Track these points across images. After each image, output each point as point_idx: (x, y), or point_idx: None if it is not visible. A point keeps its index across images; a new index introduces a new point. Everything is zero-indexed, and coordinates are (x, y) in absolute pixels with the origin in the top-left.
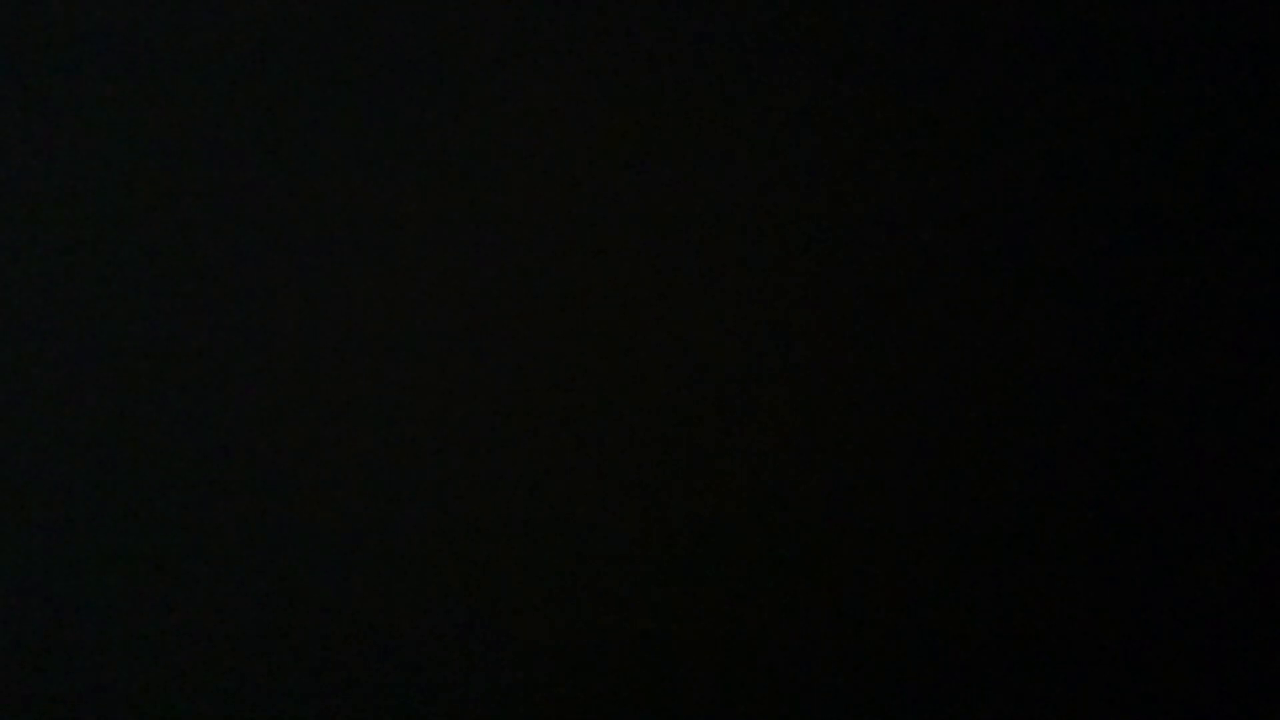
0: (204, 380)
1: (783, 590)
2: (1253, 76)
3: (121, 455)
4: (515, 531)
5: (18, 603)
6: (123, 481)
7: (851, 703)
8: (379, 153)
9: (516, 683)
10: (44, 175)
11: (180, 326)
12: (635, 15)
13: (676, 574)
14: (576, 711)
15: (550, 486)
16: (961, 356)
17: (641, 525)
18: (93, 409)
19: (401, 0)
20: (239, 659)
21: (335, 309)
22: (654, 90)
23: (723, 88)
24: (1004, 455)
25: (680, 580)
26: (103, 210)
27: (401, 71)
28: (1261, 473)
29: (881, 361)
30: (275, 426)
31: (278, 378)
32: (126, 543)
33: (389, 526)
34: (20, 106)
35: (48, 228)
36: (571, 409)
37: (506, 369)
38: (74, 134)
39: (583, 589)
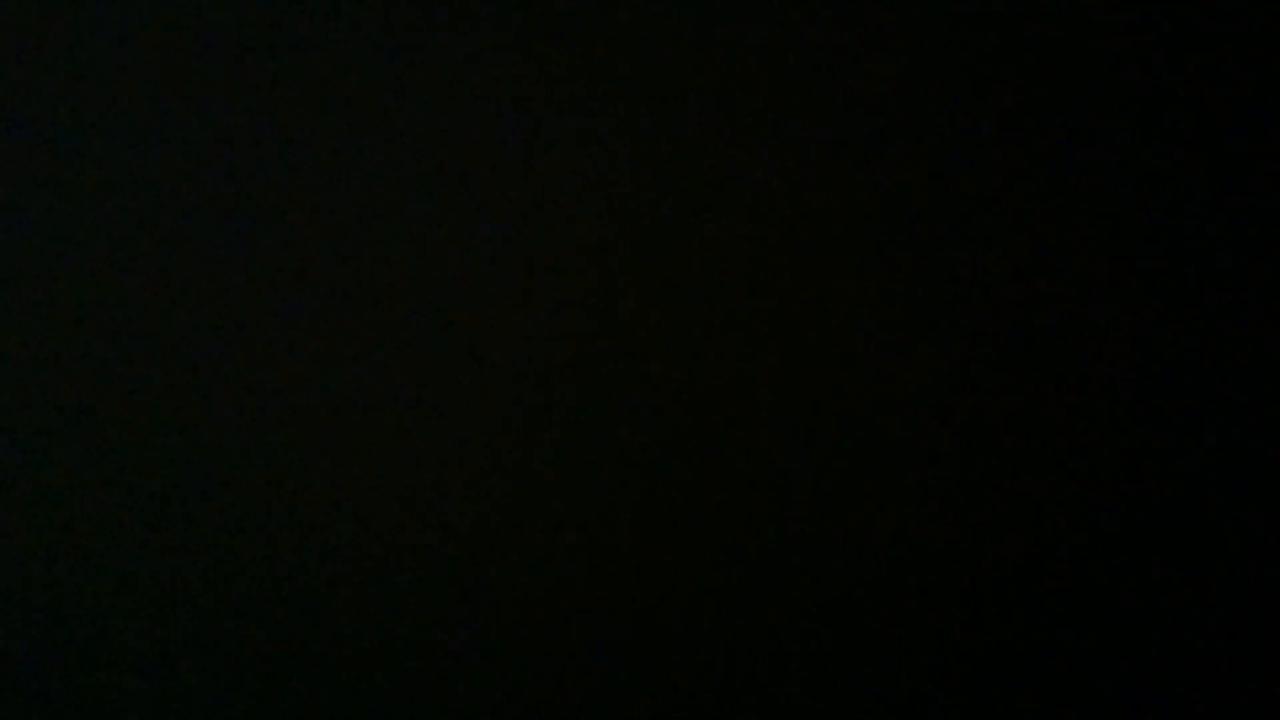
0: (202, 381)
1: (777, 590)
2: (1253, 76)
3: (119, 455)
4: (513, 532)
5: (17, 603)
6: (121, 482)
7: (847, 703)
8: (371, 153)
9: (515, 683)
10: (44, 175)
11: (179, 327)
12: (632, 16)
13: (675, 573)
14: (574, 710)
15: (546, 486)
16: (957, 356)
17: (640, 524)
18: (92, 410)
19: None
20: (238, 660)
21: (331, 309)
22: (651, 90)
23: (718, 86)
24: (996, 455)
25: (677, 580)
26: (102, 210)
27: (397, 72)
28: (1262, 473)
29: (879, 361)
30: (273, 426)
31: (275, 378)
32: (125, 544)
33: (388, 527)
34: (20, 107)
35: (47, 228)
36: (567, 408)
37: (502, 368)
38: (74, 133)
39: (579, 589)
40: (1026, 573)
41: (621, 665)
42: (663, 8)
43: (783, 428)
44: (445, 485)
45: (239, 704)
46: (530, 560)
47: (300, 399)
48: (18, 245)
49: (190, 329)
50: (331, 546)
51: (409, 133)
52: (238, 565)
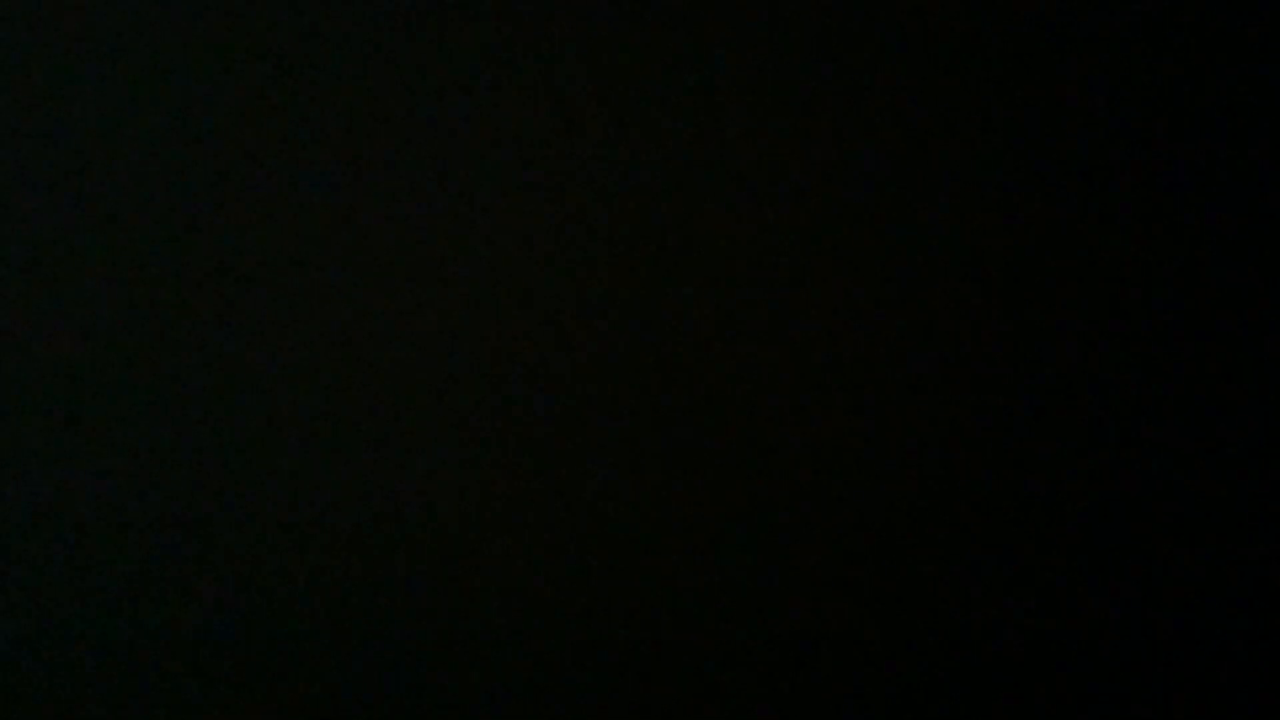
0: (200, 381)
1: (773, 591)
2: (1253, 76)
3: (120, 455)
4: (511, 533)
5: (17, 603)
6: (121, 482)
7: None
8: (365, 154)
9: (513, 682)
10: (44, 175)
11: (177, 327)
12: (628, 17)
13: (673, 575)
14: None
15: (544, 486)
16: (955, 357)
17: (638, 524)
18: (92, 410)
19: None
20: (238, 660)
21: (325, 309)
22: (648, 89)
23: (714, 87)
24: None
25: (676, 581)
26: (102, 210)
27: (395, 75)
28: (1262, 472)
29: (877, 360)
30: (272, 427)
31: (273, 378)
32: (125, 545)
33: (385, 527)
34: (20, 107)
35: (48, 228)
36: (566, 409)
37: (499, 369)
38: (74, 134)
39: (578, 590)
40: (1026, 572)
41: (620, 666)
42: (662, 8)
43: (781, 428)
44: (442, 486)
45: (237, 704)
46: (529, 562)
47: (298, 399)
48: (17, 245)
49: (188, 328)
50: (329, 547)
51: (405, 131)
52: (235, 565)
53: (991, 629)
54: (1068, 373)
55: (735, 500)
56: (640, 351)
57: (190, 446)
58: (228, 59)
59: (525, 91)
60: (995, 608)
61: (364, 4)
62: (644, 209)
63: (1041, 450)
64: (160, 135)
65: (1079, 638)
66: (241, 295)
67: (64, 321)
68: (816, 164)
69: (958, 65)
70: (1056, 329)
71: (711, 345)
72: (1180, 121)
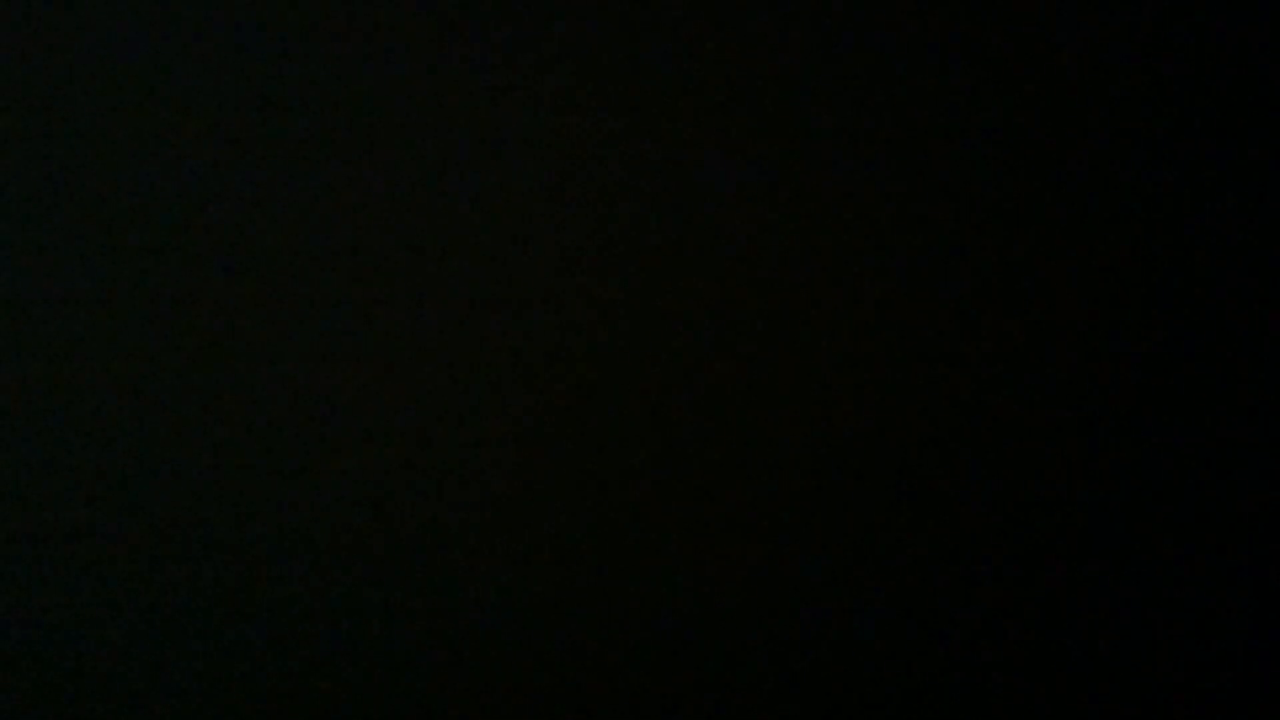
0: (201, 381)
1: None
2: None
3: (121, 455)
4: (509, 532)
5: (17, 602)
6: (122, 482)
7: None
8: (365, 156)
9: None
10: (44, 175)
11: (178, 327)
12: (628, 18)
13: (669, 573)
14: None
15: (545, 486)
16: (955, 358)
17: (636, 525)
18: (93, 409)
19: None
20: (237, 659)
21: (326, 309)
22: (652, 90)
23: (717, 88)
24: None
25: (673, 580)
26: (103, 210)
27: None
28: (1262, 472)
29: (880, 361)
30: (272, 427)
31: (273, 379)
32: (124, 543)
33: (385, 528)
34: (20, 105)
35: (48, 228)
36: (566, 410)
37: (497, 370)
38: (74, 134)
39: (577, 588)
40: (1026, 573)
41: (620, 666)
42: (662, 8)
43: (781, 429)
44: (440, 487)
45: (234, 704)
46: (528, 562)
47: (297, 400)
48: (17, 245)
49: (187, 328)
50: (327, 548)
51: (405, 131)
52: (235, 567)
53: (991, 628)
54: (1068, 372)
55: (735, 501)
56: (640, 352)
57: (189, 447)
58: (227, 58)
59: (525, 92)
60: (995, 607)
61: (364, 4)
62: (643, 208)
63: (1041, 450)
64: (159, 135)
65: (1079, 637)
66: (241, 295)
67: (64, 321)
68: (816, 164)
69: (958, 65)
70: (1057, 329)
71: (711, 346)
72: (1180, 121)
